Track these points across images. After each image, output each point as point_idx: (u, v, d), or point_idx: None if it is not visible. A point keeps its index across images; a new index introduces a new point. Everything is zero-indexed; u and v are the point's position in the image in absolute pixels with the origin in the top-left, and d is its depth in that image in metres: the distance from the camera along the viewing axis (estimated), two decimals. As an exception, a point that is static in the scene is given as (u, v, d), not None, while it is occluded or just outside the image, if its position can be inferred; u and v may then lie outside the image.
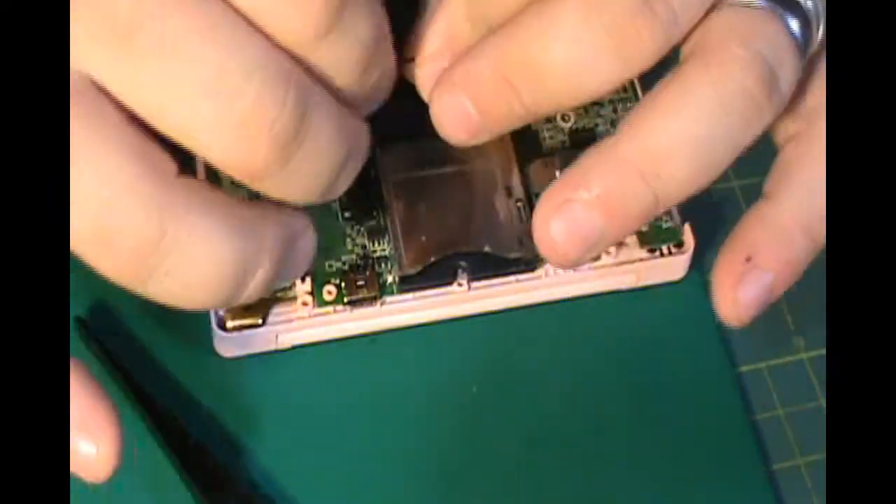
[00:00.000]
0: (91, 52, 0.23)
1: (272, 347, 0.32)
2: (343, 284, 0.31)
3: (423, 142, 0.33)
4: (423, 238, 0.31)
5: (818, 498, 0.31)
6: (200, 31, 0.23)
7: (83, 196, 0.23)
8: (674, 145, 0.26)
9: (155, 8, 0.22)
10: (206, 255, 0.24)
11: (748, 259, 0.27)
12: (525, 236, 0.31)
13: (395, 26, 0.27)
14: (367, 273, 0.31)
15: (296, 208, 0.26)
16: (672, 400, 0.32)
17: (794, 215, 0.28)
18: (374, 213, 0.32)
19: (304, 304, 0.31)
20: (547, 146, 0.34)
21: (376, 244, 0.32)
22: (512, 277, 0.32)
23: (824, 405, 0.33)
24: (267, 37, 0.23)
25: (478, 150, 0.32)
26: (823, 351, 0.33)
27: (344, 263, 0.32)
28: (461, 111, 0.28)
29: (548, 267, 0.32)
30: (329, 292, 0.31)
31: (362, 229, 0.32)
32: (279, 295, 0.31)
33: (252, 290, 0.25)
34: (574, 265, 0.27)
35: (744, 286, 0.27)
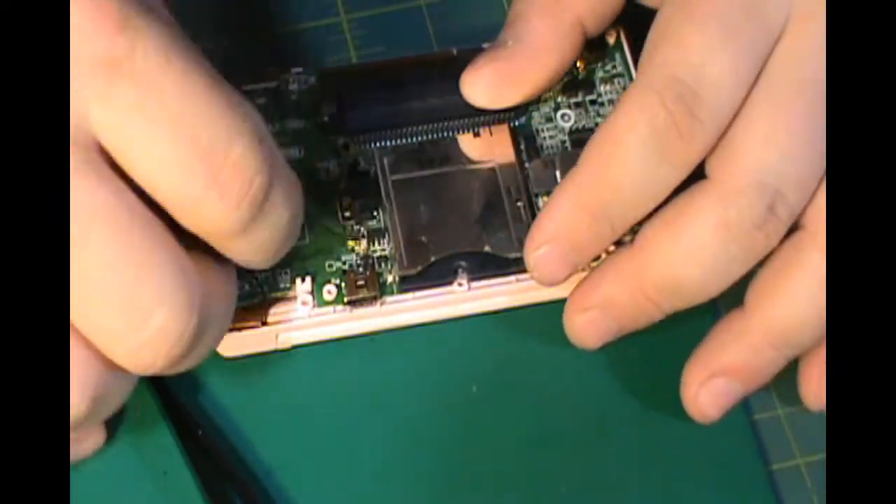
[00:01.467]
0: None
1: (272, 347, 0.32)
2: (343, 284, 0.31)
3: (422, 142, 0.33)
4: (423, 238, 0.31)
5: (818, 498, 0.31)
6: (121, 249, 0.24)
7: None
8: (802, 317, 0.29)
9: (89, 225, 0.23)
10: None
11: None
12: (525, 236, 0.31)
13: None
14: (367, 273, 0.31)
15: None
16: (672, 400, 0.31)
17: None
18: (374, 213, 0.32)
19: (304, 303, 0.31)
20: (547, 146, 0.34)
21: (376, 244, 0.32)
22: (512, 277, 0.32)
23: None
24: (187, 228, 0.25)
25: (480, 149, 0.33)
26: (823, 351, 0.33)
27: (344, 263, 0.32)
28: (603, 327, 0.30)
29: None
30: (329, 292, 0.31)
31: (362, 229, 0.32)
32: (279, 295, 0.31)
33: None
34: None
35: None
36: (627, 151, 0.28)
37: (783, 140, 0.28)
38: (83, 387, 0.24)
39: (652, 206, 0.29)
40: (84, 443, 0.29)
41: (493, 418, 0.32)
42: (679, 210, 0.29)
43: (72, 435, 0.26)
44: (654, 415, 0.31)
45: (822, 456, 0.31)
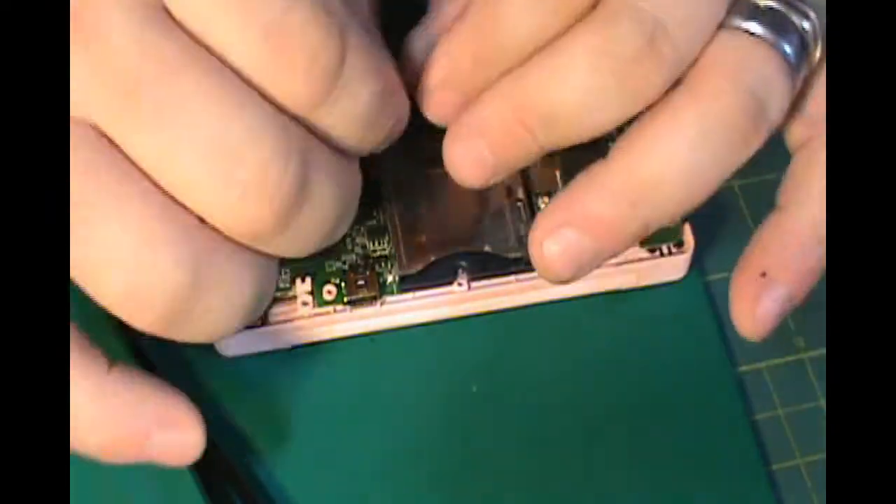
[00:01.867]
0: (95, 102, 0.23)
1: (272, 347, 0.32)
2: (343, 284, 0.31)
3: (422, 141, 0.33)
4: (423, 238, 0.31)
5: (818, 498, 0.31)
6: (204, 93, 0.23)
7: (112, 254, 0.23)
8: (661, 174, 0.27)
9: (160, 69, 0.23)
10: (238, 289, 0.25)
11: (763, 274, 0.28)
12: (525, 236, 0.31)
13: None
14: (367, 273, 0.31)
15: None
16: (672, 400, 0.32)
17: (808, 226, 0.28)
18: (374, 213, 0.32)
19: (304, 303, 0.31)
20: (547, 146, 0.34)
21: (376, 244, 0.32)
22: (512, 277, 0.32)
23: (824, 405, 0.33)
24: (269, 99, 0.24)
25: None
26: (823, 351, 0.33)
27: (344, 263, 0.32)
28: (477, 156, 0.28)
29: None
30: (329, 292, 0.31)
31: (362, 229, 0.32)
32: (279, 295, 0.31)
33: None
34: (568, 282, 0.28)
35: (761, 302, 0.28)
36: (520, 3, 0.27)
37: None
38: (180, 254, 0.23)
39: (536, 50, 0.27)
40: (171, 431, 0.26)
41: (493, 418, 0.32)
42: (561, 38, 0.27)
43: (138, 400, 0.25)
44: (653, 414, 0.31)
45: (822, 456, 0.31)
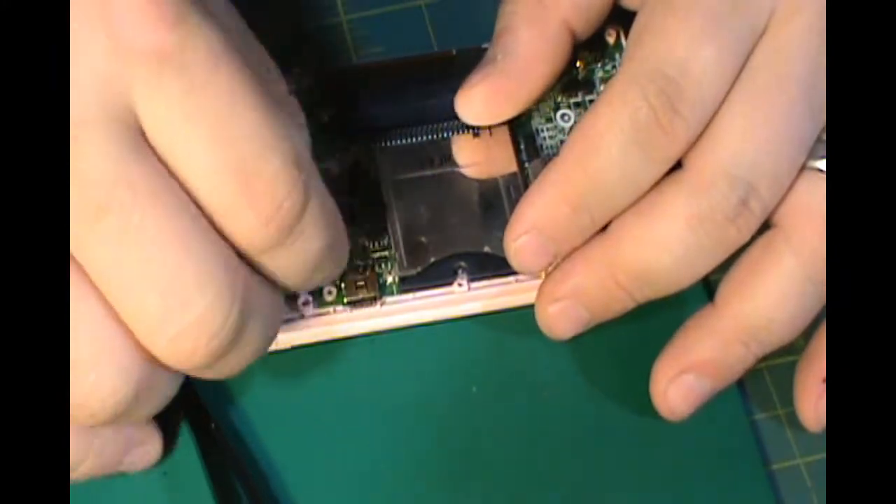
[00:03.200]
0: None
1: (273, 348, 0.32)
2: (343, 285, 0.31)
3: (423, 142, 0.33)
4: (423, 238, 0.31)
5: (818, 498, 0.31)
6: (164, 229, 0.24)
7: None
8: (771, 316, 0.29)
9: (129, 196, 0.23)
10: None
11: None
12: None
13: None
14: (367, 273, 0.31)
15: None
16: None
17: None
18: (374, 214, 0.32)
19: (305, 303, 0.31)
20: (547, 146, 0.34)
21: (376, 244, 0.32)
22: (511, 278, 0.32)
23: (824, 405, 0.32)
24: (224, 235, 0.25)
25: (481, 150, 0.32)
26: (823, 351, 0.33)
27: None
28: (573, 315, 0.30)
29: (548, 266, 0.32)
30: (329, 292, 0.31)
31: (362, 230, 0.32)
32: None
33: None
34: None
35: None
36: (609, 145, 0.28)
37: (760, 135, 0.28)
38: (122, 373, 0.24)
39: (633, 199, 0.29)
40: (139, 448, 0.29)
41: (493, 418, 0.32)
42: (652, 200, 0.29)
43: (115, 432, 0.27)
44: (653, 414, 0.31)
45: (822, 456, 0.31)
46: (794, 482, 0.31)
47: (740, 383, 0.33)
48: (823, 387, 0.30)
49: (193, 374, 0.26)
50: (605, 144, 0.28)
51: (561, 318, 0.30)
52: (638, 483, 0.31)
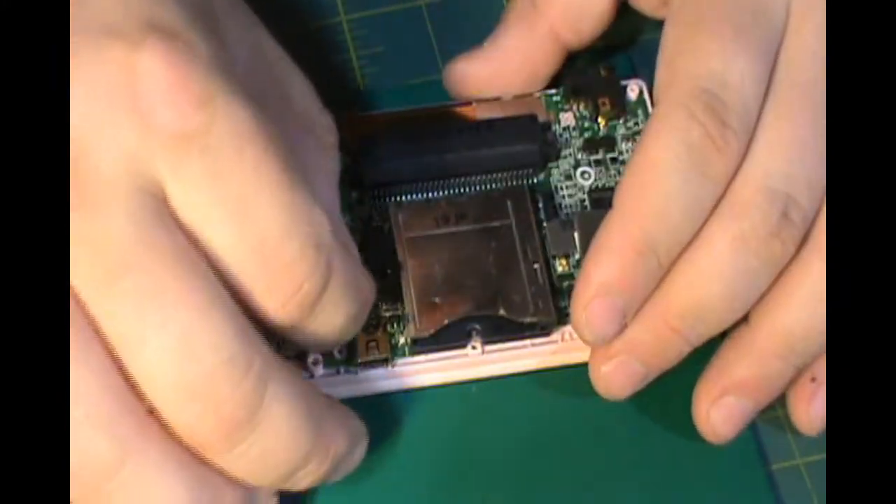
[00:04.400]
0: (80, 268, 0.23)
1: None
2: (354, 345, 0.30)
3: (438, 198, 0.32)
4: (437, 300, 0.31)
5: (818, 498, 0.31)
6: (184, 297, 0.23)
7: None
8: (806, 327, 0.28)
9: (149, 259, 0.23)
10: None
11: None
12: (541, 299, 0.31)
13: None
14: (379, 333, 0.31)
15: None
16: (672, 400, 0.31)
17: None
18: (387, 272, 0.31)
19: (315, 363, 0.30)
20: (566, 204, 0.33)
21: (388, 304, 0.31)
22: (527, 342, 0.31)
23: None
24: (243, 308, 0.24)
25: (497, 208, 0.32)
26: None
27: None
28: (629, 371, 0.29)
29: (563, 331, 0.31)
30: (339, 352, 0.30)
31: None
32: (289, 355, 0.30)
33: None
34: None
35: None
36: (667, 173, 0.28)
37: (789, 145, 0.28)
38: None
39: (696, 228, 0.28)
40: None
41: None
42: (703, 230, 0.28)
43: None
44: (653, 415, 0.31)
45: (822, 456, 0.31)
46: (794, 482, 0.31)
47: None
48: (814, 386, 0.30)
49: (220, 462, 0.25)
50: (662, 175, 0.28)
51: (617, 376, 0.29)
52: (638, 483, 0.31)
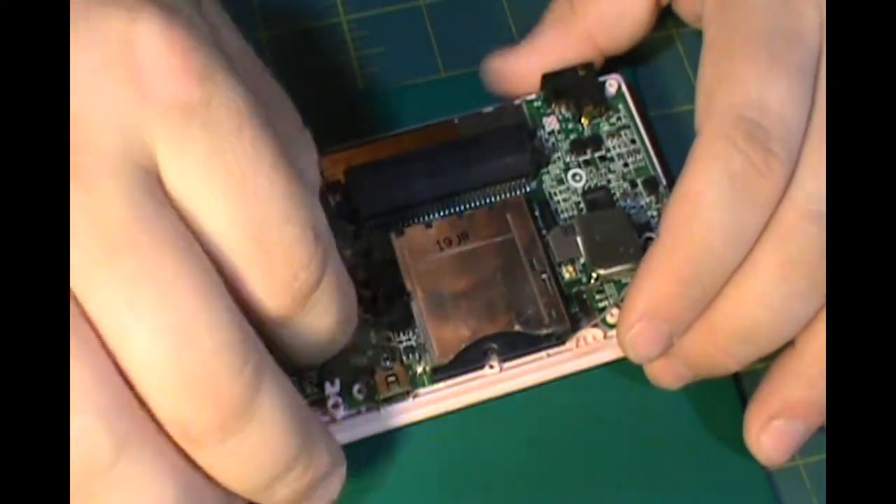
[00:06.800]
0: (75, 246, 0.22)
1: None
2: (373, 382, 0.30)
3: (437, 220, 0.32)
4: (451, 326, 0.30)
5: (818, 498, 0.31)
6: (179, 278, 0.22)
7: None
8: None
9: (147, 239, 0.22)
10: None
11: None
12: (554, 309, 0.30)
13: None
14: (396, 367, 0.30)
15: None
16: (671, 400, 0.31)
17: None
18: (395, 303, 0.31)
19: (335, 406, 0.30)
20: (562, 209, 0.33)
21: (401, 335, 0.31)
22: (543, 353, 0.31)
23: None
24: (236, 299, 0.23)
25: (497, 223, 0.31)
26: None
27: (370, 359, 0.30)
28: (677, 373, 0.30)
29: (578, 337, 0.31)
30: (359, 391, 0.30)
31: (384, 321, 0.31)
32: (308, 398, 0.30)
33: None
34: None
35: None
36: (710, 205, 0.28)
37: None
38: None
39: (742, 255, 0.28)
40: None
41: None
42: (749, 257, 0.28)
43: None
44: (653, 415, 0.31)
45: (822, 456, 0.31)
46: (793, 482, 0.31)
47: (739, 385, 0.32)
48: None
49: (205, 457, 0.23)
50: (706, 207, 0.28)
51: (668, 372, 0.30)
52: (638, 483, 0.31)
